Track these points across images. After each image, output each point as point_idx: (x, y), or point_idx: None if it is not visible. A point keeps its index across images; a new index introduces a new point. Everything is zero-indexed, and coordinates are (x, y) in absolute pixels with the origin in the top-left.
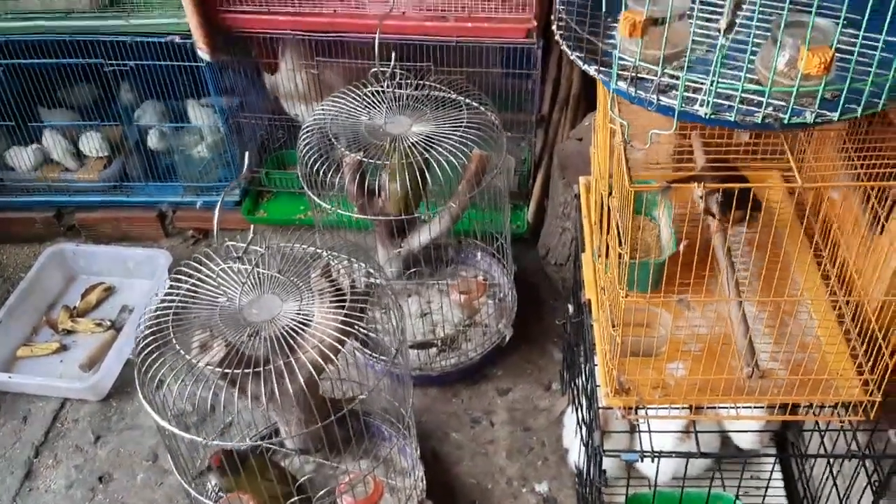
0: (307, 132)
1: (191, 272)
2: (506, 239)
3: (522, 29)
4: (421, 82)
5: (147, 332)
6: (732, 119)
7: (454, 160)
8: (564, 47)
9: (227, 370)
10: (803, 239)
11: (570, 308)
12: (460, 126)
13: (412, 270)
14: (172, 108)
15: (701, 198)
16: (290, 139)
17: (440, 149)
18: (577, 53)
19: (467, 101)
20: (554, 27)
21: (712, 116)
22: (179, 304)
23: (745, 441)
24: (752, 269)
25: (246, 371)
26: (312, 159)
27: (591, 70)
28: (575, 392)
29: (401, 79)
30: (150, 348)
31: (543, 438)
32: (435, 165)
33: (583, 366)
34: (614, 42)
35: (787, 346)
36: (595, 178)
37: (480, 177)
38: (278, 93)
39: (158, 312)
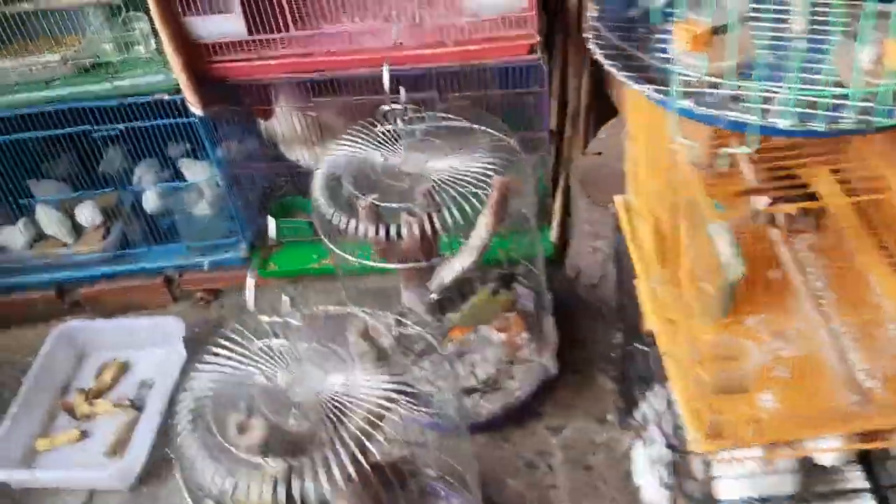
0: (320, 178)
1: (222, 350)
2: (538, 265)
3: (525, 45)
4: (431, 113)
5: (184, 424)
6: (822, 129)
7: (479, 192)
8: (611, 67)
9: (268, 454)
10: (870, 240)
11: (620, 335)
12: (479, 156)
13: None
14: (167, 166)
15: (764, 209)
16: (294, 185)
17: (464, 182)
18: (626, 73)
19: (482, 127)
20: (591, 45)
21: (795, 127)
22: (215, 388)
23: (827, 458)
24: (824, 277)
25: (293, 458)
26: (327, 206)
27: (647, 91)
28: (641, 426)
29: (411, 114)
30: (188, 440)
31: (606, 476)
32: (460, 200)
33: (652, 400)
34: (663, 55)
35: (882, 361)
36: (643, 200)
37: (505, 203)
38: (275, 139)
39: (194, 401)
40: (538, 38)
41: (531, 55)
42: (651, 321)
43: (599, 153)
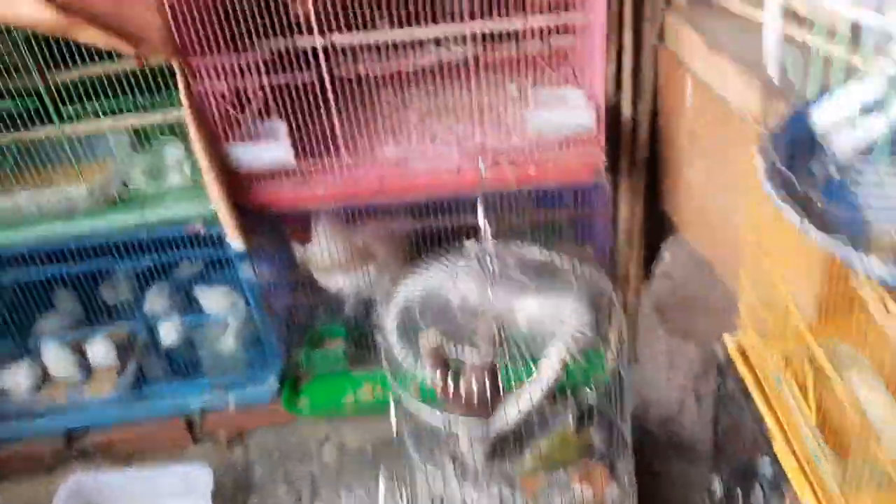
0: (391, 313)
1: None
2: (618, 401)
3: (590, 167)
4: (514, 247)
5: None
6: None
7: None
8: (813, 233)
9: None
10: None
11: (717, 484)
12: (564, 294)
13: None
14: (180, 290)
15: None
16: (330, 313)
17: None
18: (837, 239)
19: (574, 264)
20: (775, 198)
21: None
22: None
23: None
24: None
25: None
26: (398, 345)
27: (881, 271)
28: None
29: (497, 249)
30: None
31: None
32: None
33: None
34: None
35: None
36: (779, 350)
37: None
38: (311, 265)
39: None
40: (604, 160)
41: (595, 177)
42: (807, 496)
43: (667, 277)
